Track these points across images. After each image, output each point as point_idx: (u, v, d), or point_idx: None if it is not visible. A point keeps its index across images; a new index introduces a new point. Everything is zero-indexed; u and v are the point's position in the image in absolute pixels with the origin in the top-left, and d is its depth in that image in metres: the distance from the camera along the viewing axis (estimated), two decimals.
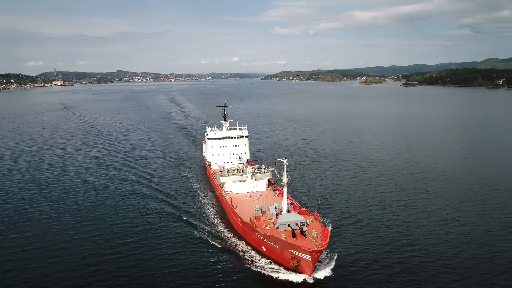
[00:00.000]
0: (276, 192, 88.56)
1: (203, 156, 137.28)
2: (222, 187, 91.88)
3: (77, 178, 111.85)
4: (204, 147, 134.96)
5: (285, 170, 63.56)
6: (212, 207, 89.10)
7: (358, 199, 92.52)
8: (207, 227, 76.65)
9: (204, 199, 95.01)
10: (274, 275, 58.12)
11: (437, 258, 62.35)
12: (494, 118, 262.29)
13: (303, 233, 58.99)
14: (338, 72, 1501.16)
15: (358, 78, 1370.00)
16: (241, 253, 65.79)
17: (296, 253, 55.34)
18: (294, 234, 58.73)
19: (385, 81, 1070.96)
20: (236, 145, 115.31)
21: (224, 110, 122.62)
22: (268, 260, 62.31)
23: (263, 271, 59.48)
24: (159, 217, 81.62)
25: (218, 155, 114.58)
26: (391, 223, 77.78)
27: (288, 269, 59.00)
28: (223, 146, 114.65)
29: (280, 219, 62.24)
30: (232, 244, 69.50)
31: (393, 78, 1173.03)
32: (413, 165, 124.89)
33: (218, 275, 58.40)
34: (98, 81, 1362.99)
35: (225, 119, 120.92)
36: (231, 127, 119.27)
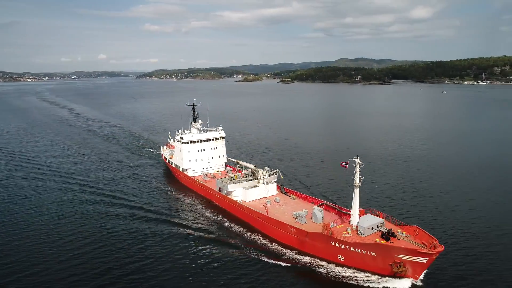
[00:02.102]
0: (292, 195, 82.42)
1: (162, 162, 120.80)
2: (230, 196, 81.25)
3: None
4: (166, 152, 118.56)
5: (357, 169, 58.92)
6: (226, 221, 77.69)
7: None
8: (245, 244, 66.25)
9: (207, 212, 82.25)
10: (375, 285, 53.27)
11: None
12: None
13: (393, 235, 55.60)
14: (214, 70, 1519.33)
15: (235, 76, 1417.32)
16: (315, 268, 58.38)
17: (405, 257, 51.64)
18: (387, 237, 54.83)
19: (261, 78, 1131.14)
20: (214, 148, 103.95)
21: (194, 109, 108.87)
22: (351, 270, 56.88)
23: (356, 283, 54.01)
24: (180, 241, 67.00)
25: (196, 160, 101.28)
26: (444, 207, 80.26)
27: (381, 275, 54.91)
28: (201, 150, 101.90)
29: (363, 223, 57.45)
30: (294, 259, 61.29)
31: (267, 76, 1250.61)
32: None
33: None
34: None
35: (195, 120, 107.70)
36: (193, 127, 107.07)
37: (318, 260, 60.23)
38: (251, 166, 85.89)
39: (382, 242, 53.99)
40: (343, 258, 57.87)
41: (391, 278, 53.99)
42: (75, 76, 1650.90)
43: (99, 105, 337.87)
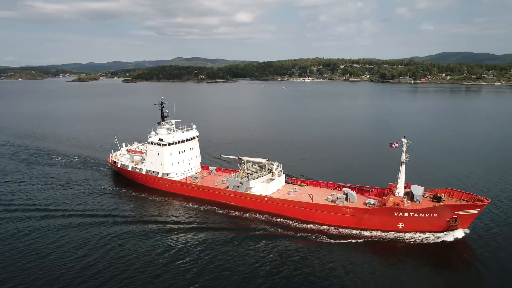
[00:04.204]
0: (302, 184, 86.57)
1: (109, 171, 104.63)
2: (249, 192, 79.61)
3: None
4: (124, 158, 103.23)
5: (404, 147, 68.57)
6: (256, 217, 75.80)
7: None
8: (302, 232, 67.80)
9: (227, 213, 77.83)
10: (435, 240, 63.91)
11: None
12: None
13: (441, 197, 67.85)
14: (32, 69, 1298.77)
15: (61, 76, 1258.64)
16: (381, 238, 65.41)
17: (462, 212, 64.12)
18: (439, 200, 66.67)
19: (98, 78, 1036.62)
20: (192, 148, 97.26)
21: (162, 108, 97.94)
22: (412, 234, 66.06)
23: (423, 242, 63.85)
24: (234, 244, 63.31)
25: (178, 163, 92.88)
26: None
27: (436, 232, 66.18)
28: (182, 152, 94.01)
29: (417, 193, 67.60)
30: (356, 235, 66.64)
31: (103, 75, 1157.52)
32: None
33: (391, 262, 58.31)
34: None
35: (163, 120, 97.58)
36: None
37: (378, 231, 67.48)
38: (262, 160, 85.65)
39: (440, 204, 65.73)
40: (403, 225, 66.93)
41: (446, 232, 66.00)
42: None
43: None
